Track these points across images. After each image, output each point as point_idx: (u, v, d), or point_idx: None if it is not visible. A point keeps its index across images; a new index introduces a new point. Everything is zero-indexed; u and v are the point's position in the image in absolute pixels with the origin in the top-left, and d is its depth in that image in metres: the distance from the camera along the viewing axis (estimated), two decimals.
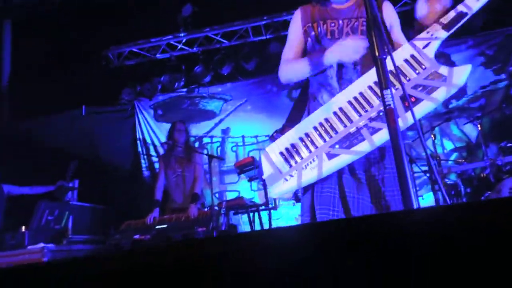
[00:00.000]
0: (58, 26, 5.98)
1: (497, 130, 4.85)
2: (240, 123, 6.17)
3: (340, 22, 2.02)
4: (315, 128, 1.84)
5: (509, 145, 4.23)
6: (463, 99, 5.36)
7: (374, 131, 1.74)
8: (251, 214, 4.59)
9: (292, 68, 2.08)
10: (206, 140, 6.22)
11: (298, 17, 2.14)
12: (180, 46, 6.38)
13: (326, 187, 1.87)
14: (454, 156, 4.93)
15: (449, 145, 5.26)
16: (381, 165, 1.88)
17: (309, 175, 1.80)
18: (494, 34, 5.55)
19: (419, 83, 1.74)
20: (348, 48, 1.83)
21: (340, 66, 1.95)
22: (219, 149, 6.15)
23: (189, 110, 6.42)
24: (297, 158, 1.85)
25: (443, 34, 1.77)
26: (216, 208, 4.43)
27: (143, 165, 6.24)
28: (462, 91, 5.44)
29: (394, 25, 2.04)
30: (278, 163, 1.87)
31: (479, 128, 4.41)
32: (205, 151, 5.51)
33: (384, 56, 1.33)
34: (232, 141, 6.06)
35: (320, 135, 1.83)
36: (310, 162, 1.81)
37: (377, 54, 1.33)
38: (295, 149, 1.86)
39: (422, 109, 1.70)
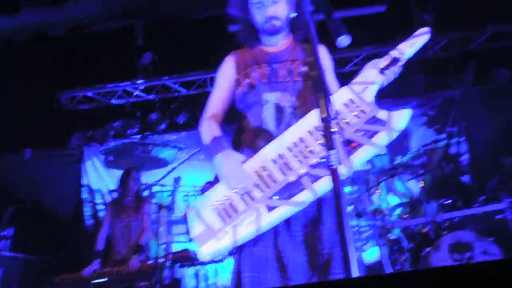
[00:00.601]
0: (11, 63, 5.86)
1: (438, 188, 5.08)
2: (193, 172, 6.13)
3: (275, 66, 1.97)
4: (251, 178, 1.71)
5: (447, 202, 4.42)
6: (407, 156, 5.62)
7: (315, 179, 1.65)
8: (197, 267, 4.46)
9: (203, 133, 1.97)
10: (156, 188, 6.10)
11: (231, 64, 2.05)
12: (136, 92, 6.39)
13: (257, 248, 1.72)
14: (398, 211, 5.08)
15: (394, 201, 5.42)
16: (318, 220, 1.78)
17: (246, 231, 1.64)
18: (435, 96, 5.95)
19: (359, 127, 1.70)
20: (232, 178, 1.72)
21: (279, 109, 1.89)
22: (169, 198, 6.03)
23: (141, 157, 6.33)
24: (232, 213, 1.68)
25: (379, 78, 1.77)
26: (161, 260, 4.29)
27: (86, 213, 6.00)
28: (405, 149, 5.71)
29: (327, 69, 2.00)
30: (209, 219, 1.70)
31: (421, 185, 4.60)
32: (154, 200, 5.39)
33: (330, 118, 1.35)
34: (184, 190, 5.98)
35: (257, 186, 1.70)
36: (246, 217, 1.66)
37: (324, 115, 1.34)
38: (229, 203, 1.71)
39: (364, 154, 1.66)
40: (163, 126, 6.33)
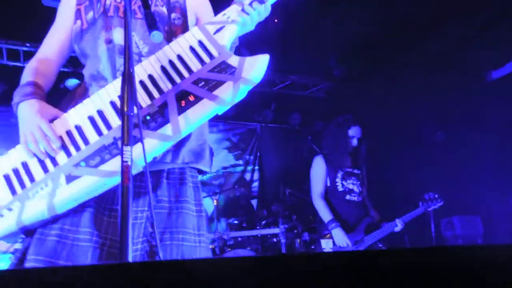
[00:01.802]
0: None
1: (229, 208, 5.54)
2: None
3: None
4: (59, 138, 1.31)
5: (235, 222, 4.86)
6: (207, 175, 5.96)
7: (137, 141, 1.24)
8: None
9: (22, 78, 1.50)
10: None
11: None
12: None
13: (83, 232, 1.33)
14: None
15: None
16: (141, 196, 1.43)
17: (35, 208, 1.23)
18: (240, 124, 6.54)
19: (201, 76, 1.33)
20: (25, 121, 1.35)
21: (121, 52, 1.48)
22: None
23: None
24: (27, 183, 1.29)
25: (240, 17, 1.42)
26: None
27: None
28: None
29: (202, 14, 1.65)
30: None
31: (215, 204, 4.93)
32: None
33: (132, 114, 1.10)
34: None
35: (65, 149, 1.30)
36: (41, 188, 1.25)
37: (125, 109, 1.09)
38: (26, 169, 1.31)
39: (200, 111, 1.28)
40: None
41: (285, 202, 5.08)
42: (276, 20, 5.27)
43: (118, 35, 1.52)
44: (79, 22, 1.57)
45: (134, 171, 1.21)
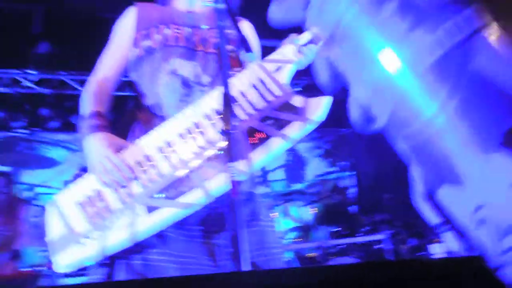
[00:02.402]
0: None
1: (327, 215, 5.48)
2: None
3: (188, 29, 1.60)
4: (131, 170, 1.35)
5: (335, 230, 4.80)
6: (302, 184, 5.99)
7: (211, 175, 1.32)
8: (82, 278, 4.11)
9: (83, 102, 1.55)
10: (41, 190, 5.53)
11: (132, 18, 1.64)
12: (27, 83, 5.80)
13: (166, 254, 1.36)
14: (292, 235, 5.33)
15: (288, 224, 5.71)
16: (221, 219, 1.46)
17: (118, 238, 1.27)
18: (331, 131, 6.49)
19: (268, 114, 1.38)
20: (94, 153, 1.38)
21: (184, 83, 1.52)
22: None
23: (25, 154, 5.71)
24: (104, 213, 1.32)
25: (297, 57, 1.47)
26: (39, 268, 3.89)
27: None
28: (302, 177, 6.09)
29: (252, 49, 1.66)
30: (71, 218, 1.32)
31: (313, 212, 4.93)
32: (38, 202, 4.88)
33: (233, 131, 1.13)
34: None
35: (138, 180, 1.34)
36: (120, 218, 1.30)
37: (227, 127, 1.13)
38: (101, 199, 1.34)
39: (271, 148, 1.33)
40: (56, 124, 5.82)
41: (386, 207, 4.92)
42: None
43: (179, 66, 1.53)
44: (136, 49, 1.58)
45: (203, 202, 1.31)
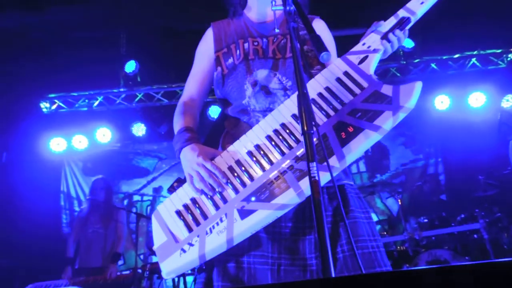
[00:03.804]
0: None
1: (416, 206, 5.20)
2: None
3: (265, 39, 1.68)
4: (223, 174, 1.40)
5: (425, 220, 4.53)
6: (386, 175, 5.74)
7: (302, 174, 1.31)
8: (175, 279, 4.39)
9: (174, 122, 1.66)
10: (136, 198, 6.03)
11: (210, 39, 1.75)
12: (118, 100, 6.33)
13: (257, 256, 1.40)
14: (377, 228, 5.18)
15: (373, 218, 5.54)
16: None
17: (216, 243, 1.32)
18: (412, 116, 6.12)
19: (357, 107, 1.35)
20: (188, 163, 1.45)
21: (267, 92, 1.59)
22: (149, 208, 5.96)
23: (121, 166, 6.25)
24: (200, 219, 1.37)
25: (382, 45, 1.43)
26: (140, 271, 4.22)
27: (64, 221, 5.86)
28: (385, 167, 5.83)
29: (327, 46, 1.63)
30: (173, 227, 1.40)
31: (400, 203, 4.71)
32: (134, 209, 5.32)
33: (312, 131, 1.13)
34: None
35: (231, 184, 1.38)
36: (217, 224, 1.34)
37: (305, 128, 1.13)
38: (197, 206, 1.40)
39: (363, 141, 1.30)
40: (144, 136, 6.28)
41: (482, 193, 4.53)
42: None
43: (261, 76, 1.60)
44: (219, 68, 1.68)
45: (296, 201, 1.31)
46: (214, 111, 5.96)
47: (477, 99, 5.68)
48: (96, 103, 6.30)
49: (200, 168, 1.41)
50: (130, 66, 6.27)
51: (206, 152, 1.47)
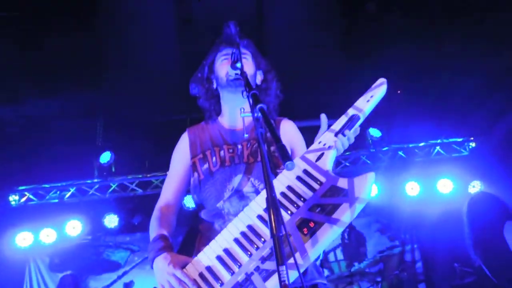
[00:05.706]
0: None
1: None
2: (146, 278, 5.80)
3: (239, 146, 1.76)
4: (194, 282, 1.42)
5: None
6: (364, 262, 5.67)
7: (268, 275, 1.33)
8: None
9: (150, 229, 1.72)
10: None
11: (185, 145, 1.84)
12: (91, 191, 6.22)
13: None
14: None
15: None
16: None
17: None
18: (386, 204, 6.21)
19: (317, 202, 1.40)
20: (160, 272, 1.50)
21: (241, 196, 1.66)
22: None
23: (90, 260, 5.96)
24: None
25: (335, 144, 1.53)
26: None
27: None
28: (362, 255, 5.77)
29: (296, 145, 1.82)
30: None
31: None
32: None
33: (281, 234, 1.13)
34: None
35: None
36: None
37: (274, 232, 1.13)
38: None
39: (324, 236, 1.33)
40: (117, 227, 6.10)
41: (459, 281, 4.50)
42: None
43: (237, 182, 1.68)
44: (196, 174, 1.76)
45: None
46: (189, 201, 5.91)
47: (445, 185, 5.85)
48: (68, 194, 6.17)
49: (171, 277, 1.44)
50: (105, 157, 6.27)
51: (177, 260, 1.49)
